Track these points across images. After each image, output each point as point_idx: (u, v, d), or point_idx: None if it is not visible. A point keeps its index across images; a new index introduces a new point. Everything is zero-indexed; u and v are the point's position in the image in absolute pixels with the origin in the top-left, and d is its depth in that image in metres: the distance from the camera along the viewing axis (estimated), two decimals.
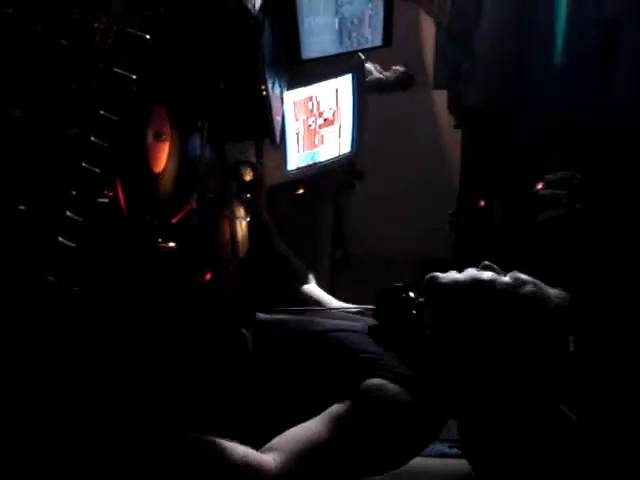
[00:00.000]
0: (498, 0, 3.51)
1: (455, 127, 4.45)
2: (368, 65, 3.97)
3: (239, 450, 1.35)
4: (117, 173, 1.47)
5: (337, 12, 2.56)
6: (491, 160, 3.92)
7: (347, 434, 1.46)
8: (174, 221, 1.86)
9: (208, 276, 2.36)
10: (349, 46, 2.70)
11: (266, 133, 2.58)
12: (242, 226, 2.98)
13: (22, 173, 1.21)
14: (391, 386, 1.55)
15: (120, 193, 1.48)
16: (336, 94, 3.00)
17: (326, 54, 2.70)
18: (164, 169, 1.74)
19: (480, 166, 4.10)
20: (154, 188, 1.70)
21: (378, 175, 4.20)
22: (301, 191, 3.50)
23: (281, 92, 2.63)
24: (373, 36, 2.72)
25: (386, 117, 4.45)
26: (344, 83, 2.98)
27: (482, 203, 4.07)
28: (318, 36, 2.62)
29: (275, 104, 2.53)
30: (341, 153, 3.23)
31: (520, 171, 3.57)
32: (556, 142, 3.21)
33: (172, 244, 1.83)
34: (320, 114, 3.01)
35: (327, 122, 3.06)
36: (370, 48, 2.77)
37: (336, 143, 3.17)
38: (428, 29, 4.68)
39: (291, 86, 2.81)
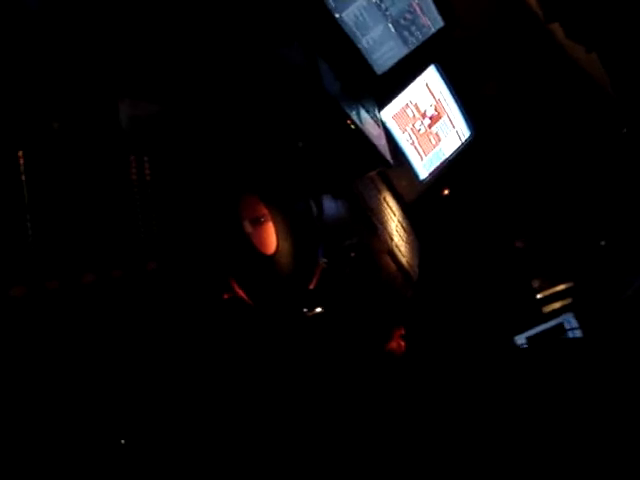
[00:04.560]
0: None
1: None
2: None
3: None
4: (229, 276, 1.53)
5: (386, 17, 2.52)
6: None
7: None
8: (312, 287, 1.90)
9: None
10: (415, 41, 2.64)
11: (378, 160, 2.57)
12: (402, 250, 2.97)
13: None
14: None
15: (239, 291, 1.54)
16: (428, 89, 2.92)
17: (398, 59, 2.66)
18: (278, 246, 1.78)
19: None
20: (274, 269, 1.74)
21: None
22: (447, 192, 3.43)
23: (373, 116, 2.62)
24: (432, 21, 2.65)
25: None
26: (431, 75, 2.90)
27: None
28: (381, 48, 2.59)
29: (373, 131, 2.53)
30: (463, 139, 3.13)
31: None
32: None
33: (318, 309, 1.86)
34: (423, 115, 2.95)
35: (434, 119, 3.00)
36: (437, 33, 2.68)
37: (453, 133, 3.08)
38: None
39: (381, 105, 2.80)
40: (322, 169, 2.33)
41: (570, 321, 3.41)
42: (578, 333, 3.24)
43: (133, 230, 1.20)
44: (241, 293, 1.55)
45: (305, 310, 1.81)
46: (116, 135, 1.14)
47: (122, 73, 1.23)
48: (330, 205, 2.51)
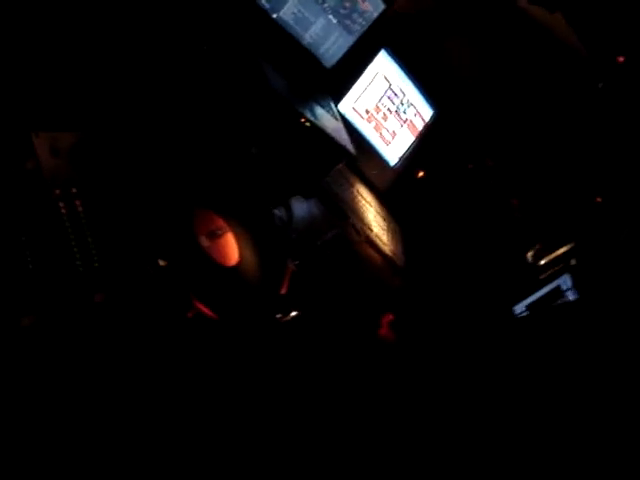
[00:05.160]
0: None
1: None
2: None
3: None
4: (189, 292, 1.50)
5: (324, 9, 2.50)
6: None
7: None
8: (284, 292, 1.87)
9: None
10: (359, 28, 2.61)
11: (340, 153, 2.55)
12: (383, 239, 2.94)
13: None
14: None
15: (202, 308, 1.51)
16: (382, 74, 2.90)
17: (345, 50, 2.64)
18: (241, 256, 1.75)
19: None
20: (239, 279, 1.71)
21: None
22: (421, 174, 3.40)
23: (329, 111, 2.59)
24: (373, 5, 2.62)
25: None
26: (383, 60, 2.87)
27: None
28: (326, 41, 2.57)
29: (330, 125, 2.50)
30: (427, 119, 3.10)
31: None
32: None
33: (294, 313, 1.84)
34: (382, 101, 2.93)
35: (393, 103, 2.97)
36: (380, 16, 2.64)
37: (415, 114, 3.06)
38: None
39: (338, 98, 2.78)
40: (283, 172, 2.31)
41: (567, 282, 3.37)
42: (574, 293, 3.20)
43: (70, 265, 1.17)
44: (205, 309, 1.52)
45: (279, 316, 1.79)
46: (35, 172, 1.11)
47: (32, 106, 1.21)
48: (301, 207, 2.48)
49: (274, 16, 2.39)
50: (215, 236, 1.70)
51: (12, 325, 1.01)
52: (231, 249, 1.74)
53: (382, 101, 2.93)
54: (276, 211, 2.26)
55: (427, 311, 2.89)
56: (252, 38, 2.31)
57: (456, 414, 2.09)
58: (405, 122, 3.02)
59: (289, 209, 2.32)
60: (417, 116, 3.06)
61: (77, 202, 1.21)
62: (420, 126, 3.08)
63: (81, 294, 1.17)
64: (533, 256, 3.64)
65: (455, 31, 3.42)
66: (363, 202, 2.96)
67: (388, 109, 2.95)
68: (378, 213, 3.06)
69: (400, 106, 2.99)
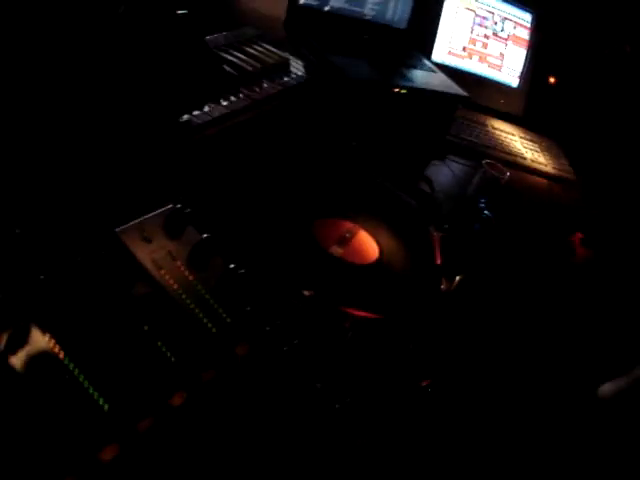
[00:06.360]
0: None
1: None
2: None
3: None
4: (340, 306, 1.48)
5: (357, 6, 2.42)
6: None
7: None
8: (439, 262, 1.80)
9: None
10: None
11: (453, 101, 2.46)
12: (541, 161, 2.76)
13: None
14: None
15: (359, 313, 1.48)
16: (462, 4, 2.75)
17: (411, 3, 2.56)
18: (380, 248, 1.71)
19: None
20: (387, 270, 1.67)
21: None
22: (552, 80, 3.16)
23: (423, 67, 2.51)
24: None
25: None
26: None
27: None
28: (387, 6, 2.52)
29: (430, 80, 2.47)
30: (528, 25, 2.89)
31: None
32: None
33: (458, 277, 1.77)
34: (474, 31, 2.78)
35: (487, 27, 2.81)
36: None
37: (515, 26, 2.86)
38: None
39: (429, 50, 2.69)
40: (406, 146, 2.26)
41: None
42: None
43: (204, 334, 1.20)
44: (363, 314, 1.49)
45: (443, 286, 1.72)
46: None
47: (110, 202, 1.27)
48: (441, 170, 2.42)
49: (326, 9, 2.36)
50: (346, 240, 1.67)
51: (164, 407, 1.03)
52: (368, 244, 1.71)
53: (474, 31, 2.77)
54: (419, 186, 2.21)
55: (615, 217, 2.66)
56: (317, 38, 2.29)
57: None
58: (508, 39, 2.83)
59: (428, 179, 2.26)
60: (518, 27, 2.85)
61: (186, 273, 1.23)
62: (526, 35, 2.87)
63: (222, 352, 1.19)
64: None
65: None
66: (504, 135, 2.80)
67: (485, 35, 2.79)
68: (524, 138, 2.89)
69: (495, 27, 2.81)
